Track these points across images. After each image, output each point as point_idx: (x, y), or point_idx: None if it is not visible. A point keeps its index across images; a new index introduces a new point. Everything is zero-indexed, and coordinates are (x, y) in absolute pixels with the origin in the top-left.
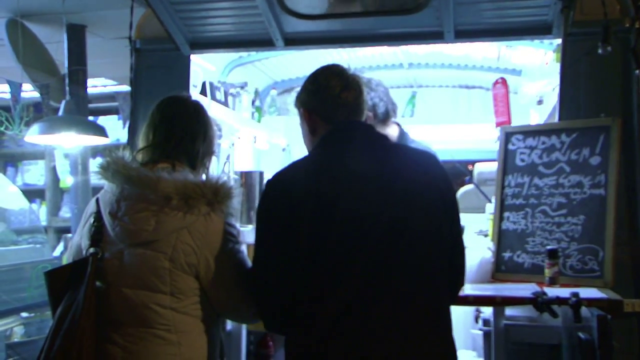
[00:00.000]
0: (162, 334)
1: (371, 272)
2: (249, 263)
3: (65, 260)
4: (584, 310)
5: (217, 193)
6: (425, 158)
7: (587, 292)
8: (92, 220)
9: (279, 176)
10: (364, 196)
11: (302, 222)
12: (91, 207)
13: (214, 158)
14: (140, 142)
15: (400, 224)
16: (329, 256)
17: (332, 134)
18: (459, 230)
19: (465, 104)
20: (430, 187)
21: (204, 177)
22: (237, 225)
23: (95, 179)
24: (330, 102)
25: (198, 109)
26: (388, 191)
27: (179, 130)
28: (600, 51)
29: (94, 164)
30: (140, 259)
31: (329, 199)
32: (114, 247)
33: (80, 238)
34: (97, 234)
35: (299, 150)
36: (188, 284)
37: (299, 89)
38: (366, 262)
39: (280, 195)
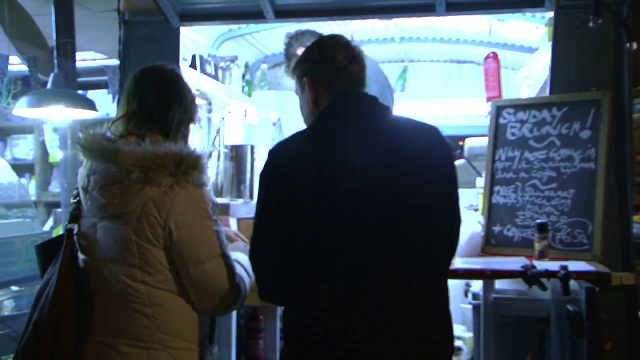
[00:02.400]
0: (136, 307)
1: (373, 244)
2: (222, 240)
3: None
4: (573, 283)
5: (179, 164)
6: (428, 132)
7: (575, 265)
8: (72, 195)
9: (282, 146)
10: (365, 169)
11: (303, 193)
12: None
13: (201, 129)
14: (118, 114)
15: (401, 197)
16: (330, 229)
17: (334, 104)
18: (457, 202)
19: (457, 78)
20: (432, 161)
21: (166, 147)
22: (211, 198)
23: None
24: (336, 74)
25: (172, 76)
26: (389, 164)
27: (151, 98)
28: (591, 24)
29: None
30: (110, 231)
31: (331, 172)
32: (89, 221)
33: None
34: (76, 209)
35: (290, 124)
36: (157, 258)
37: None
38: (368, 235)
39: (282, 166)
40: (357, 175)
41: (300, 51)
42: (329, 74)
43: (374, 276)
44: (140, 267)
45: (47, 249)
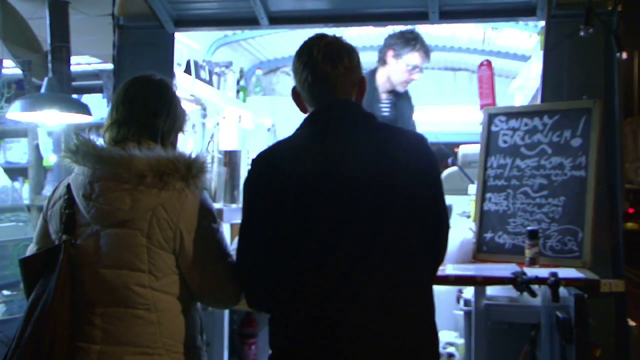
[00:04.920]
0: (141, 314)
1: (355, 253)
2: (226, 242)
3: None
4: (563, 290)
5: (190, 168)
6: (411, 138)
7: (565, 272)
8: (62, 205)
9: (264, 154)
10: (346, 176)
11: (286, 200)
12: (59, 191)
13: (195, 134)
14: (106, 121)
15: (383, 206)
16: (312, 236)
17: (315, 115)
18: (443, 210)
19: (451, 86)
20: (415, 167)
21: (176, 152)
22: (211, 201)
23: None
24: (310, 81)
25: (161, 86)
26: (371, 171)
27: (140, 107)
28: (582, 33)
29: None
30: (117, 238)
31: (311, 178)
32: (88, 230)
33: (45, 222)
34: (70, 220)
35: (284, 130)
36: (166, 262)
37: (284, 69)
38: (350, 243)
39: (265, 173)
40: (338, 183)
41: (388, 53)
42: (304, 82)
43: (357, 285)
44: (149, 272)
45: (34, 263)
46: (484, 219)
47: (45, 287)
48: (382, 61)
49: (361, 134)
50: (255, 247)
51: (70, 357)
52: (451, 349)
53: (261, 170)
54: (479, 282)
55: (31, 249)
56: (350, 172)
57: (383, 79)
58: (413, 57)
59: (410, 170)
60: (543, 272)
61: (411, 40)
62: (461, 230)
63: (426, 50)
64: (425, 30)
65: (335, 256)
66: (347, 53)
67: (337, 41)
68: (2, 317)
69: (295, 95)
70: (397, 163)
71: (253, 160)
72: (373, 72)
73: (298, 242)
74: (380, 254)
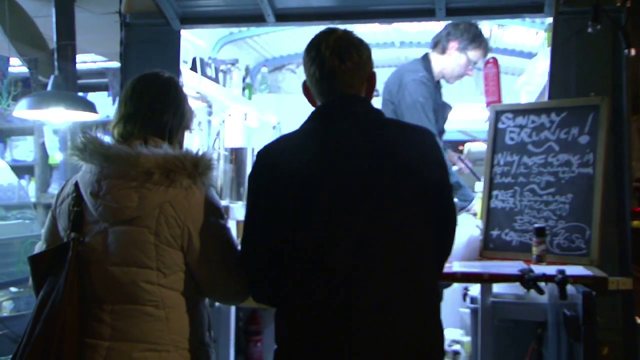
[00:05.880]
0: (150, 311)
1: (358, 248)
2: (234, 238)
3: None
4: (570, 288)
5: (197, 165)
6: (418, 134)
7: (573, 270)
8: (70, 203)
9: (269, 148)
10: (350, 171)
11: (288, 195)
12: (68, 188)
13: (201, 131)
14: (113, 118)
15: (387, 200)
16: (315, 232)
17: (321, 109)
18: (450, 206)
19: (457, 83)
20: (421, 164)
21: (182, 149)
22: (218, 198)
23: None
24: (318, 76)
25: (169, 83)
26: (376, 166)
27: (147, 103)
28: (590, 30)
29: None
30: (125, 236)
31: (314, 174)
32: (97, 228)
33: (53, 219)
34: (78, 218)
35: (290, 128)
36: (174, 259)
37: (290, 66)
38: (353, 238)
39: (269, 167)
40: (340, 179)
41: (452, 44)
42: (312, 76)
43: (361, 281)
44: (157, 269)
45: (43, 260)
46: (490, 217)
47: (54, 284)
48: (441, 50)
49: (366, 130)
50: (259, 242)
51: (79, 353)
52: (457, 347)
53: (265, 165)
54: (486, 280)
55: (40, 246)
56: (353, 168)
57: (437, 69)
58: (477, 54)
59: (416, 167)
60: (550, 269)
61: (478, 36)
62: (468, 228)
63: (487, 49)
64: (431, 28)
65: (339, 252)
66: (355, 48)
67: (346, 36)
68: (10, 314)
69: (306, 90)
70: (402, 159)
71: (257, 155)
72: (425, 58)
73: (301, 237)
74: (384, 250)
